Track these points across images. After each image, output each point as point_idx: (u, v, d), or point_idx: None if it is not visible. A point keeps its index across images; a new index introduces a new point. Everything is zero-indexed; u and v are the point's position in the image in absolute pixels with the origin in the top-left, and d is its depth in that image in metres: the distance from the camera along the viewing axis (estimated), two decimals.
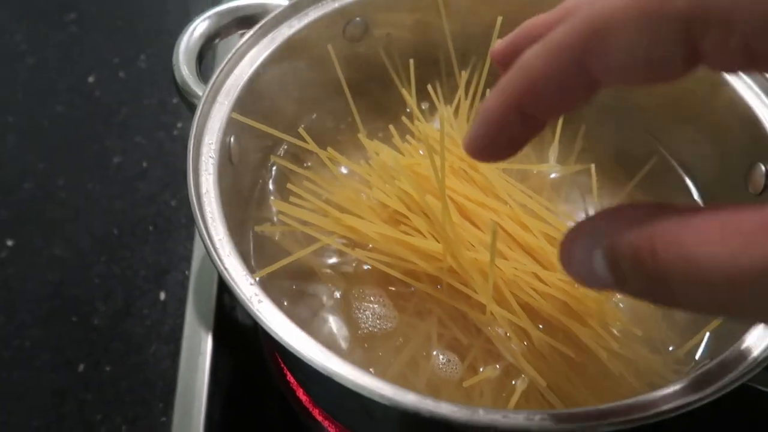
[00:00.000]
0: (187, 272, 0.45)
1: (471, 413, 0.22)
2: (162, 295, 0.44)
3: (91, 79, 0.58)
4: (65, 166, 0.52)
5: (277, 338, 0.24)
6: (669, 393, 0.23)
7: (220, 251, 0.27)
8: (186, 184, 0.29)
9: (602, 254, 0.17)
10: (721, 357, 0.25)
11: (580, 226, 0.19)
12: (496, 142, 0.21)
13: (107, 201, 0.49)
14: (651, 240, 0.15)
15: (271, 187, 0.39)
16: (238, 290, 0.26)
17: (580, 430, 0.22)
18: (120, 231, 0.48)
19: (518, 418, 0.22)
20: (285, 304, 0.35)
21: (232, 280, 0.26)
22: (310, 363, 0.24)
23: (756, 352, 0.25)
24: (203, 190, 0.29)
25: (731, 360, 0.25)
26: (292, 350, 0.24)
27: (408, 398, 0.23)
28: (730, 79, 0.35)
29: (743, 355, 0.26)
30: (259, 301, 0.26)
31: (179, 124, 0.55)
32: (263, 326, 0.25)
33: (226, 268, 0.26)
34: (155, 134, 0.54)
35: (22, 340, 0.42)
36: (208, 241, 0.27)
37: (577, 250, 0.18)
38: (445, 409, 0.22)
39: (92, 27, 0.63)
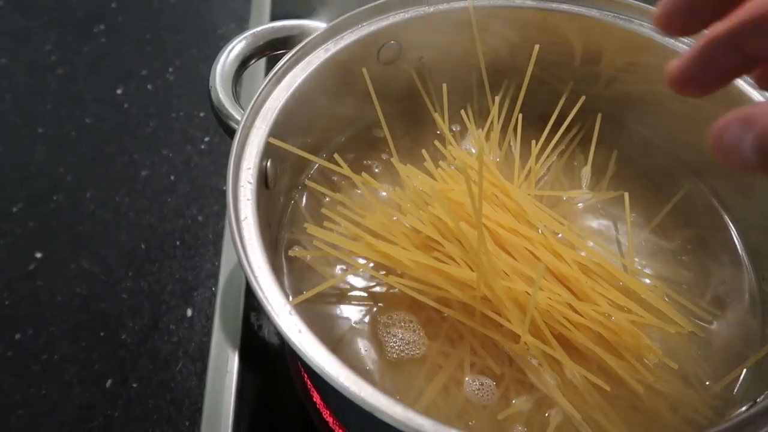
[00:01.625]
0: (214, 289, 0.46)
1: None
2: (189, 312, 0.44)
3: (119, 91, 0.59)
4: (94, 178, 0.52)
5: (318, 371, 0.24)
6: None
7: (261, 280, 0.27)
8: (216, 201, 0.29)
9: (753, 137, 0.19)
10: (760, 406, 0.24)
11: (736, 113, 0.20)
12: (706, 70, 0.22)
13: (135, 215, 0.50)
14: None
15: (302, 208, 0.39)
16: (278, 320, 0.26)
17: None
18: (147, 245, 0.48)
19: None
20: (316, 325, 0.35)
21: (273, 310, 0.26)
22: (350, 397, 0.24)
23: None
24: (242, 216, 0.30)
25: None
26: (330, 381, 0.24)
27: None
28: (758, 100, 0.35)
29: None
30: (299, 332, 0.26)
31: (206, 138, 0.55)
32: (304, 358, 0.25)
33: (266, 297, 0.27)
34: (183, 147, 0.54)
35: (51, 354, 0.42)
36: (249, 270, 0.27)
37: (730, 130, 0.20)
38: None
39: (121, 38, 0.64)
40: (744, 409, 0.25)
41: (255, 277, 0.27)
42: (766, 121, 0.19)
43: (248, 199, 0.30)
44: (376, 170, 0.41)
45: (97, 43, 0.63)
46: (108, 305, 0.45)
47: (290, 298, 0.31)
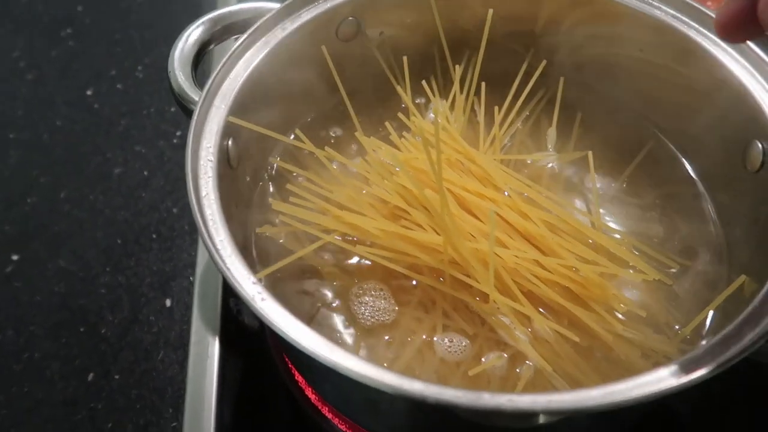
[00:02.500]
0: (192, 278, 0.46)
1: (476, 398, 0.22)
2: (168, 302, 0.45)
3: (89, 92, 0.59)
4: (68, 179, 0.52)
5: (281, 334, 0.25)
6: (671, 371, 0.24)
7: (222, 252, 0.27)
8: (186, 190, 0.29)
9: None
10: (723, 333, 0.25)
11: None
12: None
13: (110, 212, 0.50)
14: None
15: (271, 188, 0.39)
16: (241, 289, 0.26)
17: (584, 411, 0.22)
18: (124, 241, 0.48)
19: (524, 402, 0.22)
20: (290, 303, 0.35)
21: (235, 279, 0.26)
22: (313, 356, 0.24)
23: (759, 327, 0.25)
24: (203, 193, 0.30)
25: (733, 335, 0.25)
26: (295, 344, 0.24)
27: (413, 386, 0.23)
28: (723, 58, 0.35)
29: (744, 330, 0.25)
30: (262, 299, 0.26)
31: (178, 132, 0.55)
32: (267, 323, 0.25)
33: (228, 268, 0.27)
34: (155, 143, 0.55)
35: (32, 353, 0.42)
36: (210, 243, 0.27)
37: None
38: (449, 394, 0.22)
39: (89, 40, 0.64)
40: (704, 343, 0.26)
41: (217, 251, 0.27)
42: None
43: (209, 177, 0.31)
44: (344, 147, 0.41)
45: (65, 46, 0.63)
46: (87, 301, 0.45)
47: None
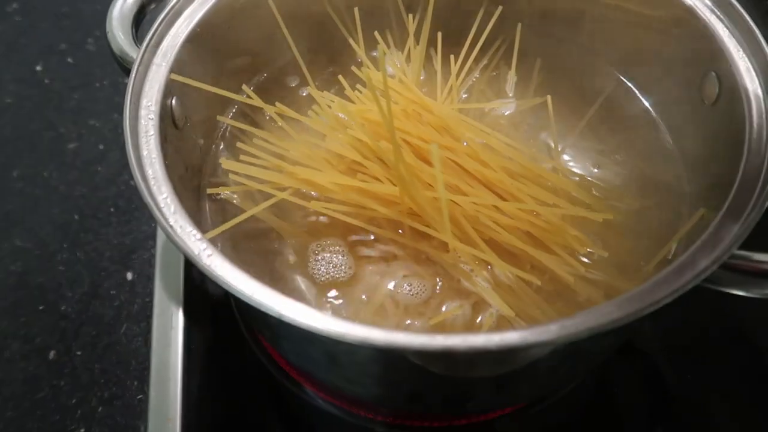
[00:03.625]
0: (153, 250, 0.45)
1: (429, 339, 0.22)
2: (129, 275, 0.43)
3: (39, 68, 0.57)
4: (20, 156, 0.50)
5: (228, 288, 0.24)
6: (625, 299, 0.23)
7: (165, 211, 0.26)
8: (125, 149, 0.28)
9: None
10: (678, 261, 0.24)
11: None
12: None
13: (66, 187, 0.48)
14: None
15: (226, 151, 0.38)
16: (186, 246, 0.25)
17: (540, 346, 0.22)
18: (81, 216, 0.47)
19: (477, 340, 0.22)
20: (248, 264, 0.34)
21: (178, 237, 0.25)
22: (261, 307, 0.23)
23: (718, 247, 0.25)
24: (143, 152, 0.29)
25: (688, 263, 0.24)
26: (244, 297, 0.23)
27: (362, 332, 0.22)
28: None
29: (698, 258, 0.25)
30: (209, 255, 0.25)
31: None
32: (213, 278, 0.24)
33: (170, 226, 0.26)
34: (110, 116, 0.53)
35: None
36: (150, 201, 0.26)
37: None
38: (401, 338, 0.22)
39: (36, 15, 0.61)
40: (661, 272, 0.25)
41: (159, 209, 0.26)
42: None
43: (150, 135, 0.29)
44: (299, 103, 0.40)
45: (11, 21, 0.61)
46: (45, 279, 0.43)
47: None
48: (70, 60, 0.57)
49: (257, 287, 0.24)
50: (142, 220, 0.46)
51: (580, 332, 0.22)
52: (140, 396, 0.39)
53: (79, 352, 0.40)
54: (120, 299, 0.42)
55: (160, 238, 0.45)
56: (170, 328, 0.40)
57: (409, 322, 0.31)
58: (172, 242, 0.25)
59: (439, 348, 0.21)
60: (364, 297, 0.32)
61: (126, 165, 0.49)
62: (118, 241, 0.45)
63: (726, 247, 0.24)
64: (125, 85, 0.55)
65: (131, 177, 0.48)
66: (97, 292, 0.43)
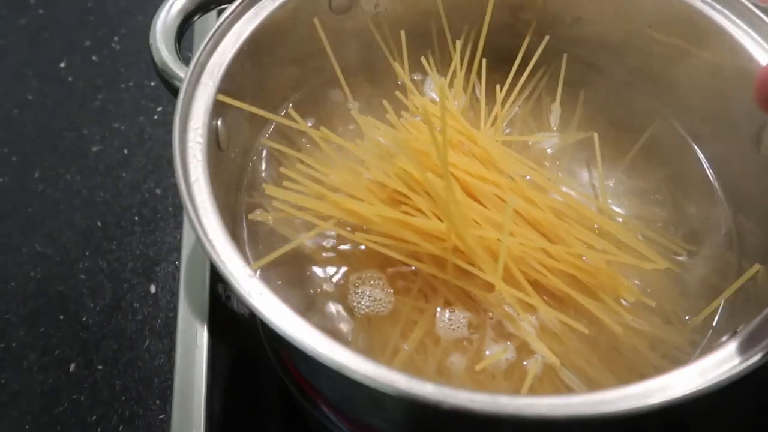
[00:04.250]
0: (177, 263, 0.44)
1: (492, 401, 0.21)
2: (152, 288, 0.43)
3: (62, 64, 0.55)
4: (41, 157, 0.49)
5: (280, 333, 0.23)
6: (687, 371, 0.22)
7: (216, 243, 0.26)
8: (173, 172, 0.27)
9: None
10: (742, 333, 0.24)
11: None
12: None
13: (88, 192, 0.47)
14: None
15: (263, 170, 0.37)
16: (237, 284, 0.24)
17: (602, 417, 0.21)
18: (104, 223, 0.46)
19: (542, 406, 0.21)
20: (284, 291, 0.33)
21: (230, 273, 0.24)
22: (316, 357, 0.22)
23: None
24: (192, 178, 0.28)
25: (752, 335, 0.24)
26: (296, 344, 0.23)
27: (425, 389, 0.22)
28: (737, 35, 0.34)
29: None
30: (260, 294, 0.24)
31: (159, 108, 0.53)
32: (265, 321, 0.23)
33: (222, 261, 0.25)
34: (135, 119, 0.52)
35: (8, 342, 0.40)
36: (202, 234, 0.25)
37: None
38: (464, 398, 0.21)
39: (60, 8, 0.60)
40: (725, 339, 0.25)
41: (209, 241, 0.25)
42: None
43: (198, 160, 0.28)
44: (339, 126, 0.39)
45: (34, 14, 0.59)
46: (66, 287, 0.42)
47: (251, 263, 0.29)
48: (94, 58, 0.56)
49: (309, 332, 0.23)
50: (166, 230, 0.45)
51: (643, 407, 0.21)
52: (162, 416, 0.38)
53: (100, 366, 0.39)
54: (143, 313, 0.41)
55: (185, 250, 0.44)
56: (195, 347, 0.39)
57: (450, 361, 0.31)
58: (225, 279, 0.24)
59: (506, 412, 0.21)
60: (404, 332, 0.32)
61: (151, 171, 0.49)
62: (141, 251, 0.44)
63: None
64: (151, 88, 0.54)
65: (156, 185, 0.48)
66: (119, 305, 0.42)
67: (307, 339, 0.23)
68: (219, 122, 0.31)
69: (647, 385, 0.22)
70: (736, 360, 0.23)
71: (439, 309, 0.32)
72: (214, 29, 0.32)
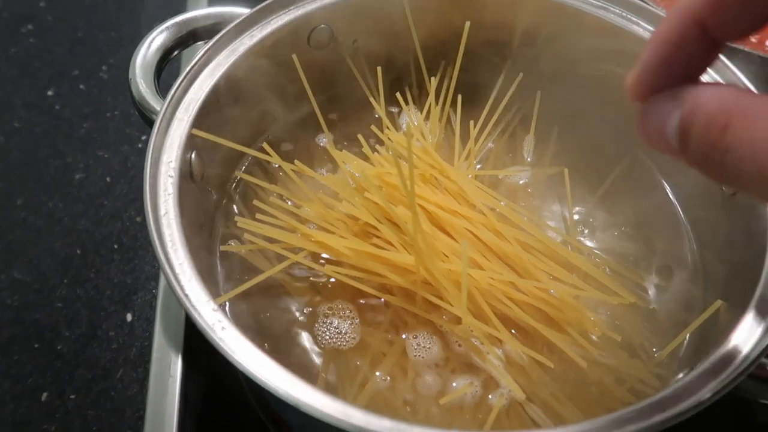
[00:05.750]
0: (154, 291, 0.44)
1: None
2: (129, 317, 0.43)
3: (50, 93, 0.56)
4: (25, 184, 0.50)
5: (240, 367, 0.23)
6: (647, 405, 0.23)
7: (181, 277, 0.26)
8: (144, 209, 0.28)
9: (678, 118, 0.18)
10: (700, 368, 0.24)
11: (664, 91, 0.19)
12: (672, 65, 0.19)
13: (69, 220, 0.48)
14: (727, 116, 0.17)
15: (240, 202, 0.38)
16: (199, 318, 0.24)
17: None
18: (83, 251, 0.46)
19: None
20: (255, 322, 0.34)
21: (193, 307, 0.25)
22: (274, 392, 0.22)
23: (742, 353, 0.25)
24: (162, 211, 0.28)
25: (711, 370, 0.24)
26: (256, 379, 0.23)
27: (381, 424, 0.22)
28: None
29: (726, 361, 0.25)
30: (222, 329, 0.25)
31: (143, 137, 0.53)
32: (225, 355, 0.23)
33: (186, 295, 0.25)
34: (119, 148, 0.52)
35: None
36: (167, 267, 0.26)
37: (656, 110, 0.19)
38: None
39: (51, 38, 0.61)
40: (681, 376, 0.25)
41: (174, 275, 0.26)
42: (693, 99, 0.18)
43: (169, 194, 0.29)
44: (315, 159, 0.40)
45: (25, 43, 0.60)
46: (42, 315, 0.42)
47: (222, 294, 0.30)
48: (82, 87, 0.57)
49: (270, 367, 0.23)
50: (145, 259, 0.45)
51: None
52: None
53: (72, 396, 0.39)
54: (118, 342, 0.41)
55: (163, 279, 0.44)
56: (168, 377, 0.39)
57: (417, 393, 0.31)
58: (188, 314, 0.24)
59: None
60: (374, 364, 0.32)
61: (133, 200, 0.49)
62: (119, 279, 0.44)
63: (751, 357, 0.24)
64: (136, 116, 0.55)
65: (137, 213, 0.48)
66: (95, 333, 0.42)
67: (265, 373, 0.23)
68: (193, 156, 0.32)
69: (595, 423, 0.22)
70: (689, 399, 0.23)
71: (408, 341, 0.32)
72: (190, 65, 0.33)
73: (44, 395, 0.39)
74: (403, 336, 0.33)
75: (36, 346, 0.41)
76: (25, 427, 0.38)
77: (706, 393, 0.23)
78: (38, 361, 0.41)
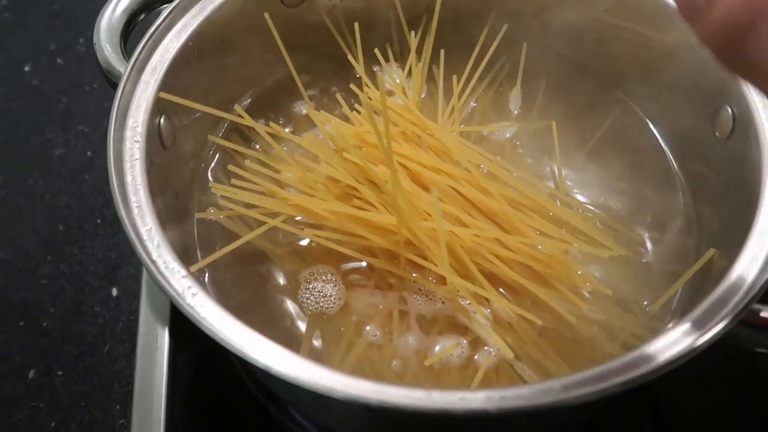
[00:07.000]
0: (139, 266, 0.43)
1: (425, 397, 0.20)
2: (114, 291, 0.42)
3: (27, 68, 0.55)
4: (4, 162, 0.49)
5: (209, 333, 0.22)
6: (637, 357, 0.22)
7: (148, 244, 0.25)
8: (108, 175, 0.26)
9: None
10: (690, 316, 0.23)
11: None
12: None
13: (51, 196, 0.47)
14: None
15: (218, 168, 0.36)
16: (167, 284, 0.24)
17: (546, 408, 0.21)
18: (66, 227, 0.45)
19: (476, 400, 0.20)
20: (237, 289, 0.33)
21: (160, 274, 0.24)
22: (246, 357, 0.22)
23: (734, 299, 0.24)
24: (128, 178, 0.27)
25: (701, 318, 0.23)
26: (225, 344, 0.22)
27: (362, 387, 0.21)
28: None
29: (716, 308, 0.24)
30: (193, 295, 0.24)
31: None
32: (194, 321, 0.23)
33: (153, 261, 0.24)
34: (99, 122, 0.51)
35: None
36: (132, 234, 0.25)
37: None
38: (394, 395, 0.20)
39: (26, 13, 0.59)
40: (670, 326, 0.24)
41: (141, 242, 0.25)
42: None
43: (136, 159, 0.28)
44: (294, 122, 0.39)
45: (1, 19, 0.59)
46: (27, 293, 0.42)
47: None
48: (60, 61, 0.55)
49: (243, 333, 0.23)
50: None
51: (589, 393, 0.20)
52: (122, 421, 0.37)
53: (60, 372, 0.39)
54: (104, 317, 0.41)
55: None
56: (155, 350, 0.39)
57: (404, 357, 0.30)
58: (154, 281, 0.23)
59: (437, 407, 0.20)
60: (359, 329, 0.31)
61: None
62: (104, 255, 0.44)
63: (742, 303, 0.23)
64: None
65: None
66: (80, 309, 0.41)
67: (237, 338, 0.22)
68: (162, 120, 0.31)
69: (584, 375, 0.21)
70: (682, 344, 0.22)
71: (393, 304, 0.31)
72: (155, 26, 0.32)
73: (31, 372, 0.39)
74: (388, 298, 0.32)
75: (21, 323, 0.41)
76: (13, 405, 0.37)
77: (696, 341, 0.22)
78: (24, 338, 0.40)
